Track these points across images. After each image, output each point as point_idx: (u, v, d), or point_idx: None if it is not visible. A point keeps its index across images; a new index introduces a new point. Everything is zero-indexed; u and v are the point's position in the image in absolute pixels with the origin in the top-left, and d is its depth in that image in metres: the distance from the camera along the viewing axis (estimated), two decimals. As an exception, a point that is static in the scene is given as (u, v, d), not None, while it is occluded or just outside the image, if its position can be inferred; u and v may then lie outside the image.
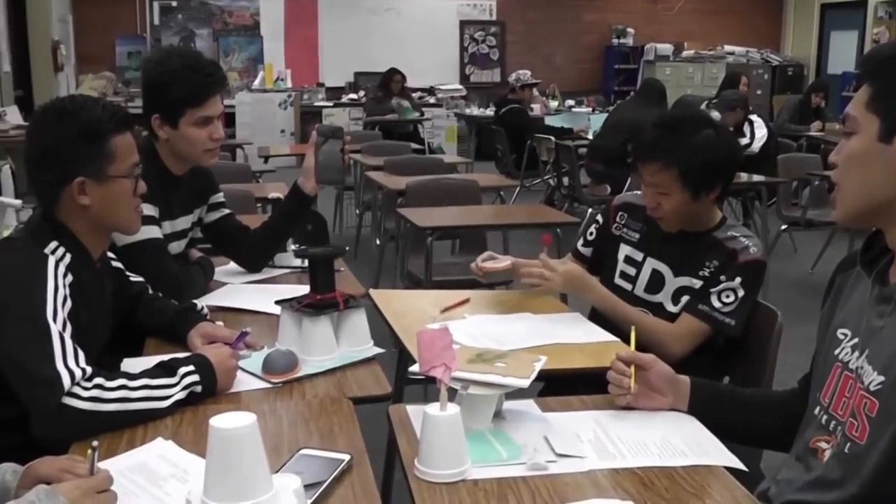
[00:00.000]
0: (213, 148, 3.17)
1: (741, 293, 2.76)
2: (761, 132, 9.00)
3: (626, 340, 2.43)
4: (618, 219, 3.08)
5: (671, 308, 2.89)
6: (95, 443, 1.67)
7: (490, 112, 12.63)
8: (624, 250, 3.03)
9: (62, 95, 2.81)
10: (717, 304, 2.77)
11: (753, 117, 9.10)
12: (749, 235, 2.86)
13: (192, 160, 3.19)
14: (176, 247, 3.23)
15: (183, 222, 3.28)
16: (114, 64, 14.61)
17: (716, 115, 7.07)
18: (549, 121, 11.21)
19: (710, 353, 2.84)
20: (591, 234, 3.19)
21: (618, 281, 3.01)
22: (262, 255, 3.51)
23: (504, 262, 3.20)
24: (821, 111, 11.43)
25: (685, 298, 2.86)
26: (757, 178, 7.72)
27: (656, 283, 2.93)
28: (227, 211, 3.49)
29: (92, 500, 1.62)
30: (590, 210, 8.57)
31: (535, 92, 12.45)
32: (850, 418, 1.80)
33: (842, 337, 1.91)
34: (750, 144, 8.78)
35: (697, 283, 2.84)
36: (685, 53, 16.38)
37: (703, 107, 8.61)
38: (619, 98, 14.59)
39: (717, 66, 15.93)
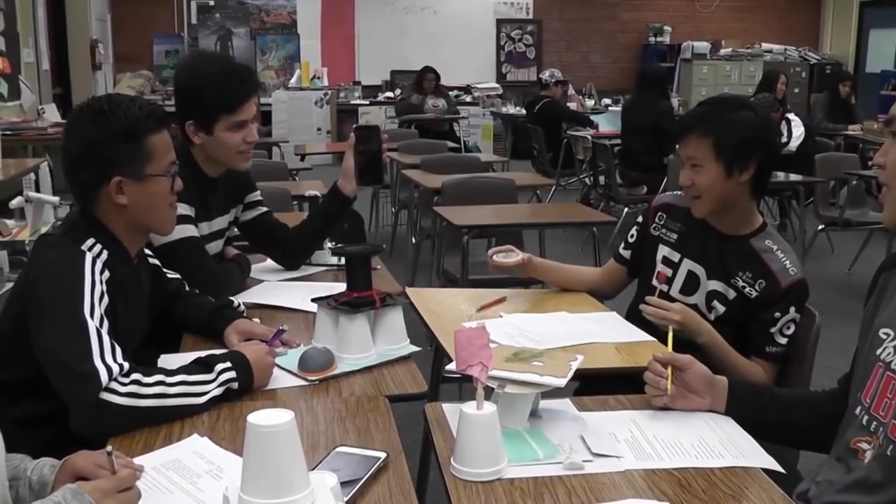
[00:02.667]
0: (245, 150, 3.14)
1: (797, 317, 2.76)
2: (798, 131, 8.92)
3: (664, 341, 2.41)
4: (657, 219, 3.04)
5: (705, 311, 2.85)
6: (109, 448, 1.68)
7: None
8: (662, 251, 2.99)
9: (99, 94, 2.81)
10: (781, 339, 2.75)
11: (791, 116, 9.02)
12: (787, 251, 2.81)
13: (225, 164, 3.18)
14: (213, 247, 3.24)
15: (220, 222, 3.28)
16: (151, 63, 14.71)
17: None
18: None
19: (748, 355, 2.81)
20: (632, 236, 3.15)
21: (655, 282, 2.97)
22: (300, 253, 3.51)
23: (516, 257, 3.19)
24: (850, 104, 11.32)
25: (717, 304, 2.83)
26: (794, 177, 7.67)
27: (692, 284, 2.89)
28: (264, 209, 3.48)
29: (114, 500, 1.63)
30: (626, 209, 8.53)
31: (571, 90, 12.38)
32: (894, 420, 1.78)
33: (884, 337, 1.89)
34: (787, 143, 8.71)
35: (731, 293, 2.80)
36: (722, 52, 16.27)
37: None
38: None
39: (755, 65, 15.84)
